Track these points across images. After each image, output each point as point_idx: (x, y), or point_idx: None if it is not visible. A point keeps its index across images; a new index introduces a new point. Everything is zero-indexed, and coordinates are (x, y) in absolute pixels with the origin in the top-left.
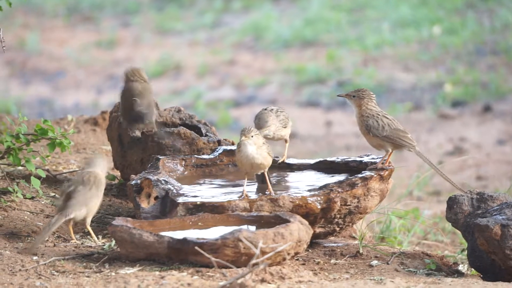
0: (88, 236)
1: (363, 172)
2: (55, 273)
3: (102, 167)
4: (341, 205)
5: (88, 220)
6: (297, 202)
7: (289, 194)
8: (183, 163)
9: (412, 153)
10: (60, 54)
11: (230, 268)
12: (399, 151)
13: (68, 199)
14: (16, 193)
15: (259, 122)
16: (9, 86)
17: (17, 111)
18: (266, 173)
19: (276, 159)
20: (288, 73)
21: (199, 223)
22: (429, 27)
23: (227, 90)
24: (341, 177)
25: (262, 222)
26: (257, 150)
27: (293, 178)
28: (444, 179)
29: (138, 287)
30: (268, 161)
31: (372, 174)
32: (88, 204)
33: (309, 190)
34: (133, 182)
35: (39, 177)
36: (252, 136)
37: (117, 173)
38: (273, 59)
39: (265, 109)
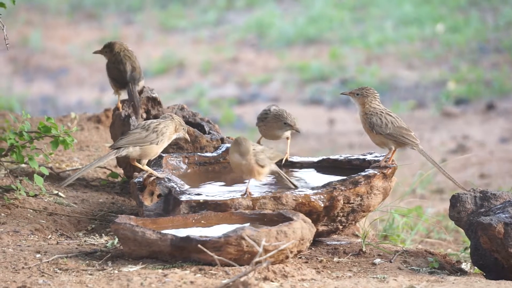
0: (93, 236)
1: (366, 170)
2: (58, 270)
3: (179, 123)
4: (344, 203)
5: (144, 162)
6: (300, 200)
7: (292, 192)
8: (186, 160)
9: (415, 151)
10: (63, 51)
11: (233, 266)
12: (402, 149)
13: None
14: (19, 190)
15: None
16: (12, 83)
17: (20, 109)
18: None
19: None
20: (291, 71)
21: (202, 221)
22: (432, 25)
23: (231, 87)
24: (344, 175)
25: (265, 220)
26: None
27: (296, 176)
28: (446, 177)
29: (141, 285)
30: (257, 169)
31: (375, 172)
32: (143, 146)
33: (312, 188)
34: (136, 180)
35: (42, 175)
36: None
37: (120, 170)
38: (276, 57)
39: (268, 111)
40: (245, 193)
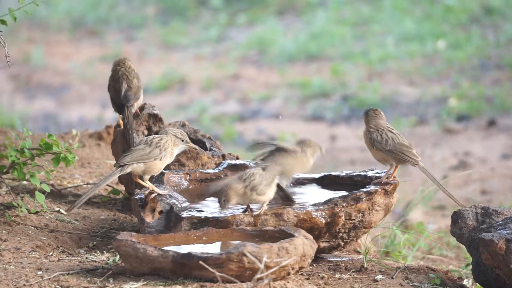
0: (94, 252)
1: (367, 186)
2: None
3: (174, 137)
4: (345, 219)
5: (146, 177)
6: (301, 216)
7: (293, 209)
8: (188, 177)
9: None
10: (64, 68)
11: (235, 282)
12: (404, 166)
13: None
14: (21, 207)
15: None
16: (13, 100)
17: (21, 126)
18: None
19: None
20: (293, 87)
21: (204, 238)
22: (434, 42)
23: (232, 104)
24: (345, 191)
25: (267, 237)
26: (240, 199)
27: (297, 192)
28: (447, 195)
29: None
30: (261, 199)
31: (377, 188)
32: (147, 162)
33: (314, 205)
34: (138, 196)
35: (43, 192)
36: (229, 202)
37: (122, 187)
38: (277, 73)
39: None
40: (246, 210)
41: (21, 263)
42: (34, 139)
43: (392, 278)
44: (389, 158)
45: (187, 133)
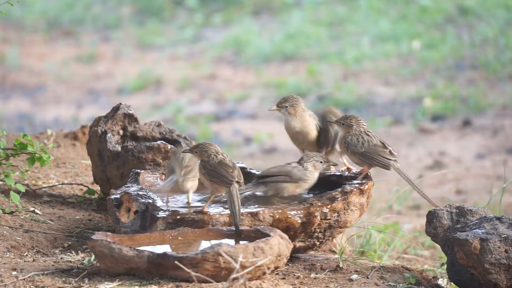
0: (70, 253)
1: (343, 186)
2: None
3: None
4: (321, 219)
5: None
6: (277, 216)
7: (269, 209)
8: (163, 177)
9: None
10: (40, 68)
11: (210, 282)
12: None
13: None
14: None
15: None
16: None
17: None
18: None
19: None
20: (269, 87)
21: (179, 238)
22: (409, 42)
23: (208, 104)
24: (321, 191)
25: (242, 237)
26: None
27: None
28: (421, 196)
29: None
30: None
31: (352, 188)
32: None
33: (289, 204)
34: (113, 196)
35: (18, 192)
36: None
37: (97, 187)
38: (253, 74)
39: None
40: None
41: None
42: (9, 139)
43: (368, 278)
44: (362, 162)
45: (162, 133)
